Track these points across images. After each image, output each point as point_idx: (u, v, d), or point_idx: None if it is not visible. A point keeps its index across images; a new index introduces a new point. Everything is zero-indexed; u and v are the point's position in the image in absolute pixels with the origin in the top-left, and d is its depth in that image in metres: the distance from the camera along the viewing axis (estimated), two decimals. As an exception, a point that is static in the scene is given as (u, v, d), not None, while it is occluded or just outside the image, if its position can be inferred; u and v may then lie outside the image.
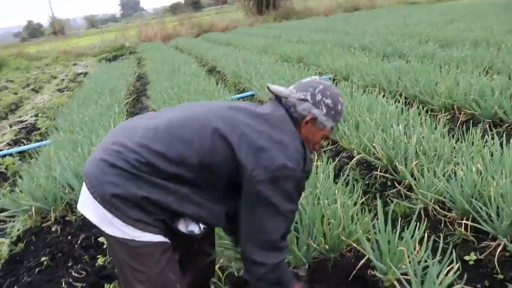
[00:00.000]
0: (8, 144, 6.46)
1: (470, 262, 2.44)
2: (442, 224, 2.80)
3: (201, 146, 1.64)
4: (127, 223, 1.60)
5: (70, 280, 2.71)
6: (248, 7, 29.13)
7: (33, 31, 74.92)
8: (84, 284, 2.66)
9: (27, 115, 8.38)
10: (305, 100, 1.75)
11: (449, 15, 13.88)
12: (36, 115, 8.15)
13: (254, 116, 1.74)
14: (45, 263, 2.95)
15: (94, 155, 1.70)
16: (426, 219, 2.88)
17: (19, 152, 5.78)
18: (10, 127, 7.53)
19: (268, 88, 1.83)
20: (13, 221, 3.68)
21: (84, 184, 1.66)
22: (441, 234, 2.68)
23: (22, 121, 7.88)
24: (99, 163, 1.64)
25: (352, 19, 17.55)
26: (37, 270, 2.90)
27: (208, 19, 28.63)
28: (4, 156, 5.70)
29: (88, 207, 1.65)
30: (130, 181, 1.59)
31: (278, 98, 1.82)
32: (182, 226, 1.72)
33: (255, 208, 1.68)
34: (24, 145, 6.20)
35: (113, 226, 1.62)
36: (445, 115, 4.63)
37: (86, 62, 18.18)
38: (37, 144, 5.91)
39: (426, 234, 2.20)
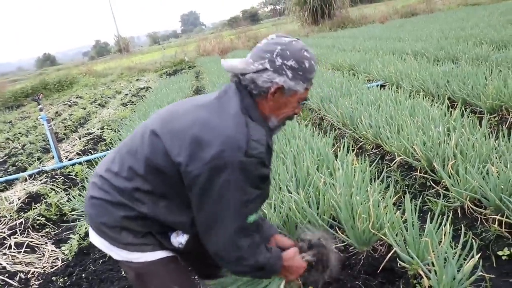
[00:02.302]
0: (78, 153, 7.09)
1: (504, 257, 2.50)
2: (478, 222, 2.86)
3: (143, 153, 1.59)
4: (120, 248, 1.65)
5: (129, 269, 3.05)
6: (303, 18, 29.21)
7: (100, 50, 79.35)
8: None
9: (94, 127, 9.08)
10: (264, 69, 1.55)
11: (511, 15, 13.37)
12: (102, 128, 8.81)
13: (195, 106, 1.64)
14: (108, 255, 3.31)
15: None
16: (462, 216, 2.99)
17: (87, 161, 6.35)
18: (79, 138, 8.21)
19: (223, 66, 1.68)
20: (82, 220, 4.13)
21: None
22: (477, 231, 2.78)
23: (89, 133, 8.55)
24: (87, 197, 1.74)
25: (407, 25, 17.28)
26: (101, 261, 3.29)
27: (264, 31, 29.18)
28: (74, 164, 6.27)
29: (94, 239, 1.73)
30: (107, 207, 1.63)
31: (236, 77, 1.64)
32: (173, 239, 1.71)
33: (203, 206, 1.55)
34: (92, 154, 6.78)
35: (113, 252, 1.69)
36: (492, 117, 4.61)
37: (148, 77, 19.14)
38: (102, 153, 6.45)
39: (450, 227, 2.29)
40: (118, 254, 1.68)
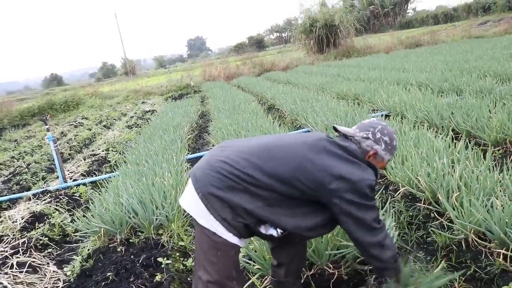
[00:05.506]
0: (82, 174, 7.10)
1: (509, 292, 2.49)
2: (483, 255, 2.85)
3: (290, 164, 2.04)
4: (217, 219, 2.00)
5: (131, 293, 3.04)
6: (309, 46, 29.42)
7: (107, 72, 79.78)
8: (143, 297, 2.98)
9: (99, 149, 9.10)
10: (368, 138, 2.18)
11: (514, 49, 13.49)
12: (107, 149, 8.83)
13: (336, 146, 2.16)
14: (110, 278, 3.30)
15: (204, 162, 2.15)
16: (466, 249, 2.98)
17: (92, 182, 6.37)
18: (84, 159, 8.23)
19: (334, 128, 2.28)
20: (85, 241, 4.13)
21: (190, 183, 2.10)
22: (481, 264, 2.77)
23: (94, 155, 8.57)
24: (206, 168, 2.08)
25: (412, 56, 17.43)
26: (103, 283, 3.25)
27: (269, 58, 29.26)
28: (78, 185, 6.29)
29: (190, 201, 2.09)
30: (229, 187, 2.01)
31: (345, 136, 2.24)
32: (263, 229, 2.09)
33: (351, 211, 2.06)
34: (96, 176, 6.80)
35: (205, 219, 2.03)
36: (497, 150, 4.63)
37: (154, 100, 19.23)
38: (107, 175, 6.45)
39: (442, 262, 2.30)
40: (209, 222, 2.03)
